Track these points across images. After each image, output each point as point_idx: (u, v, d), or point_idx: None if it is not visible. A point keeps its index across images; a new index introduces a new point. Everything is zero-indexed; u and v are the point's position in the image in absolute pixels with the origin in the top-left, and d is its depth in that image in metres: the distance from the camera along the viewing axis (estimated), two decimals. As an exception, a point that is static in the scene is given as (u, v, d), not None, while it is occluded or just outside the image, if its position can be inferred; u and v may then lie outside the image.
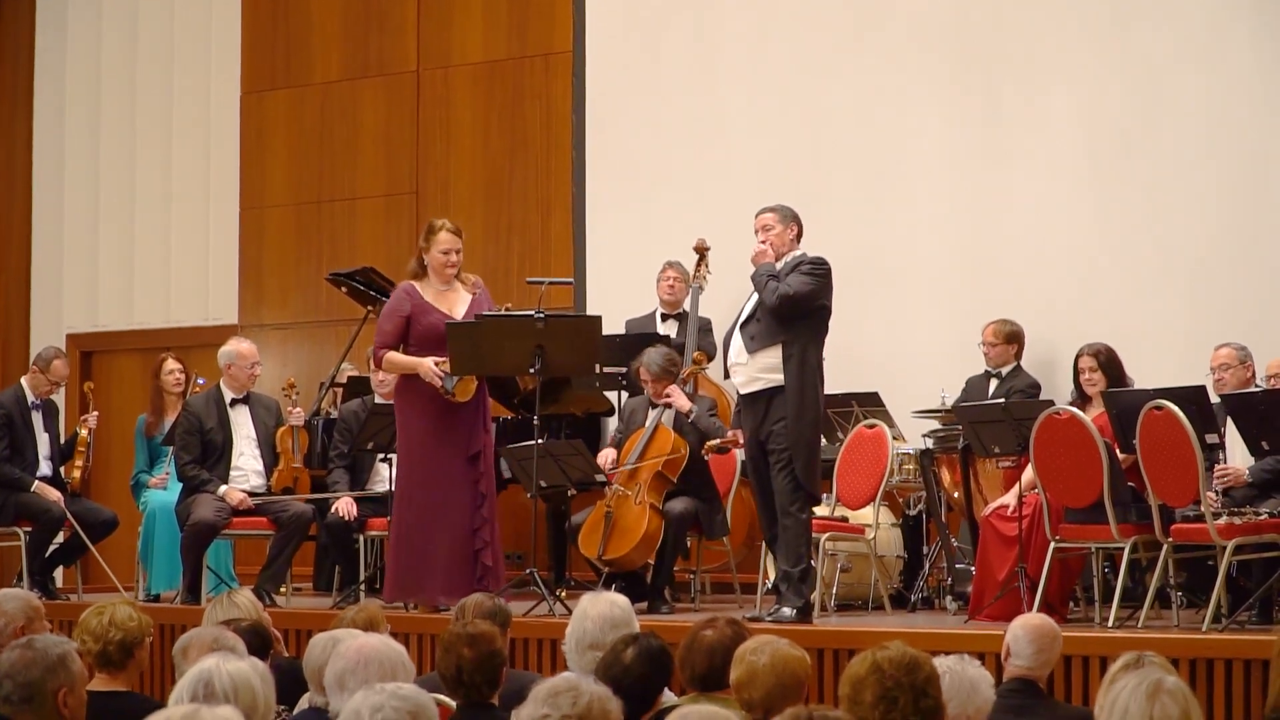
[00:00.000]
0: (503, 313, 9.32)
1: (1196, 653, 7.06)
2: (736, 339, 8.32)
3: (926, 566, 9.58)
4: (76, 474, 10.47)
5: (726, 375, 8.59)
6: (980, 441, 8.59)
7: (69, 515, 10.15)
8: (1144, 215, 10.06)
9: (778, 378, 8.17)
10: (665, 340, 10.07)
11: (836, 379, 9.56)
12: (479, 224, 12.16)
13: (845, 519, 9.21)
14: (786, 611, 8.16)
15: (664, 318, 10.65)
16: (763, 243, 8.33)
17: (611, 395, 10.56)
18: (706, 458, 9.20)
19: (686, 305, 10.41)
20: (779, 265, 8.28)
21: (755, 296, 8.27)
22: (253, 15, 13.72)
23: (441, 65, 12.96)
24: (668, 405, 9.24)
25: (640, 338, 10.10)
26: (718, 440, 9.06)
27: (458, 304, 8.97)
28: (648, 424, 9.29)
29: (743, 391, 8.35)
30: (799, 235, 8.40)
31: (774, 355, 8.18)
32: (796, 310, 8.15)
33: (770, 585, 8.63)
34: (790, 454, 8.13)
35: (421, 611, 8.79)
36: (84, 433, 10.54)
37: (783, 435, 8.14)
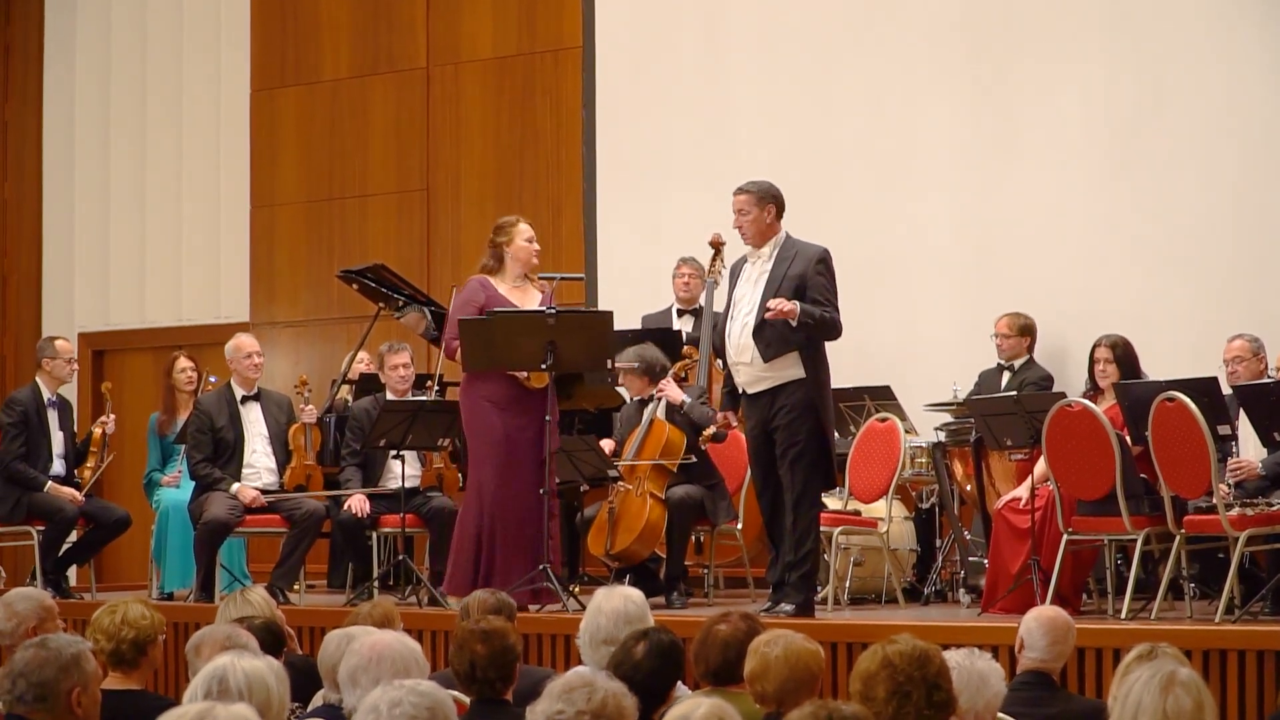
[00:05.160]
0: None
1: (1210, 644, 7.04)
2: (747, 344, 8.19)
3: (939, 560, 9.57)
4: (87, 475, 10.43)
5: (724, 367, 8.53)
6: (992, 434, 8.58)
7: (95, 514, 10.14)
8: (1156, 206, 10.04)
9: (791, 373, 8.13)
10: (678, 335, 10.10)
11: (848, 372, 9.56)
12: (489, 220, 11.93)
13: (858, 513, 9.21)
14: (786, 608, 8.09)
15: (680, 313, 10.64)
16: (737, 226, 8.25)
17: (624, 390, 10.54)
18: (704, 448, 9.17)
19: (702, 300, 10.40)
20: (764, 250, 8.21)
21: (756, 296, 8.16)
22: (262, 12, 13.72)
23: (451, 61, 12.95)
24: (660, 398, 9.25)
25: (654, 333, 10.11)
26: (712, 428, 8.96)
27: (529, 301, 8.84)
28: (643, 419, 9.30)
29: (749, 391, 8.27)
30: (779, 212, 8.26)
31: (790, 358, 8.14)
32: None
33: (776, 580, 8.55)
34: (804, 446, 8.08)
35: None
36: (98, 432, 10.51)
37: (799, 428, 8.10)
